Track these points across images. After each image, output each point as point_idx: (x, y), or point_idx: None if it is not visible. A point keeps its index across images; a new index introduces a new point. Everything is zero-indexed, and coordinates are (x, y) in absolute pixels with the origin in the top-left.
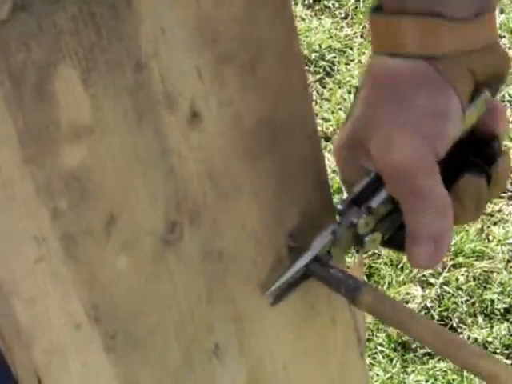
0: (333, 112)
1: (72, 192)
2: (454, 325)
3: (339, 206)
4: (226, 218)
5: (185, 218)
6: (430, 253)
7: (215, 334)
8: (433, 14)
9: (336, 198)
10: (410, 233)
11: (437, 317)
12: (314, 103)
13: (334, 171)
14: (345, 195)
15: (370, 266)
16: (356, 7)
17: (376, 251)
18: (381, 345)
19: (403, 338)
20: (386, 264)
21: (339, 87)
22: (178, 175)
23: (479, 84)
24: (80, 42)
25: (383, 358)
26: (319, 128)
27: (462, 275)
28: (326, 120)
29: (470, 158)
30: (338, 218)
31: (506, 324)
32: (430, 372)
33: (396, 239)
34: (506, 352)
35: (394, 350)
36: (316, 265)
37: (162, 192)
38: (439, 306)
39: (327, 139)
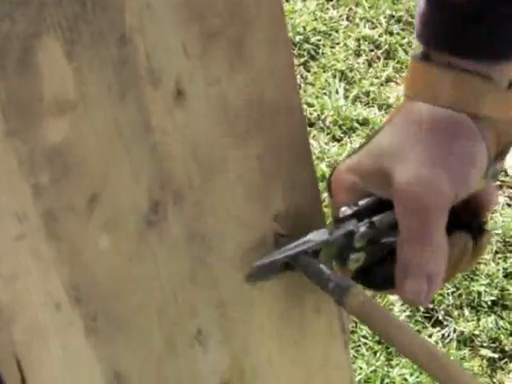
0: (317, 97)
1: (54, 167)
2: (440, 317)
3: (339, 214)
4: (210, 199)
5: (168, 197)
6: (422, 289)
7: (198, 318)
8: (482, 75)
9: (320, 186)
10: (404, 266)
11: (422, 309)
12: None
13: (317, 158)
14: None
15: None
16: None
17: None
18: (364, 337)
19: None
20: None
21: (324, 71)
22: (161, 153)
23: (496, 152)
24: (64, 13)
25: (367, 350)
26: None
27: None
28: (310, 105)
29: (465, 219)
30: (333, 224)
31: (493, 317)
32: (415, 366)
33: (373, 271)
34: (493, 345)
35: (378, 342)
36: (305, 257)
37: (146, 170)
38: None
39: (311, 125)
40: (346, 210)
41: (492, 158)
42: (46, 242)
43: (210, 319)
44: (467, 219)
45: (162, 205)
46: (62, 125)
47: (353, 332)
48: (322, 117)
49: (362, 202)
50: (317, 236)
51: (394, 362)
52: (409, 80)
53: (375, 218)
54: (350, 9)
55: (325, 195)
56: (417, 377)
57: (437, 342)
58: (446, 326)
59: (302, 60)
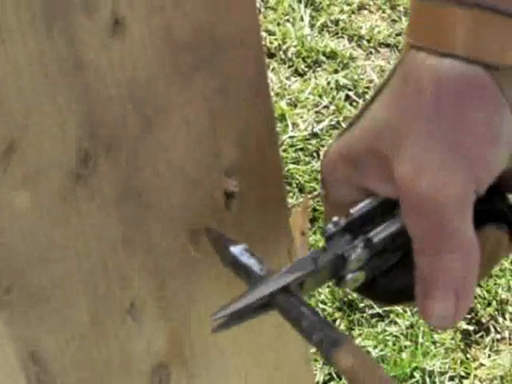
0: (279, 24)
1: None
2: None
3: (329, 227)
4: (149, 149)
5: (100, 147)
6: (450, 309)
7: (132, 289)
8: (498, 10)
9: (279, 127)
10: (425, 281)
11: None
12: None
13: (277, 94)
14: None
15: (315, 209)
16: None
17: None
18: (323, 302)
19: (349, 297)
20: None
21: None
22: (93, 94)
23: None
24: None
25: (326, 318)
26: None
27: None
28: (271, 33)
29: (495, 205)
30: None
31: None
32: (380, 336)
33: (379, 284)
34: (468, 316)
35: (339, 309)
36: (284, 296)
37: (75, 114)
38: None
39: (271, 56)
40: (337, 222)
41: None
42: None
43: (146, 290)
44: (498, 205)
45: (93, 156)
46: None
47: (310, 296)
48: (284, 47)
49: (355, 209)
50: (300, 266)
51: (355, 332)
52: (411, 23)
53: (373, 234)
54: None
55: (284, 137)
56: (381, 350)
57: (405, 312)
58: None
59: None
